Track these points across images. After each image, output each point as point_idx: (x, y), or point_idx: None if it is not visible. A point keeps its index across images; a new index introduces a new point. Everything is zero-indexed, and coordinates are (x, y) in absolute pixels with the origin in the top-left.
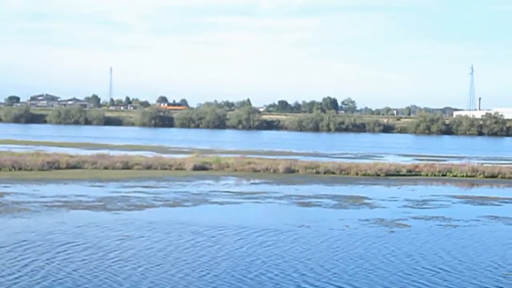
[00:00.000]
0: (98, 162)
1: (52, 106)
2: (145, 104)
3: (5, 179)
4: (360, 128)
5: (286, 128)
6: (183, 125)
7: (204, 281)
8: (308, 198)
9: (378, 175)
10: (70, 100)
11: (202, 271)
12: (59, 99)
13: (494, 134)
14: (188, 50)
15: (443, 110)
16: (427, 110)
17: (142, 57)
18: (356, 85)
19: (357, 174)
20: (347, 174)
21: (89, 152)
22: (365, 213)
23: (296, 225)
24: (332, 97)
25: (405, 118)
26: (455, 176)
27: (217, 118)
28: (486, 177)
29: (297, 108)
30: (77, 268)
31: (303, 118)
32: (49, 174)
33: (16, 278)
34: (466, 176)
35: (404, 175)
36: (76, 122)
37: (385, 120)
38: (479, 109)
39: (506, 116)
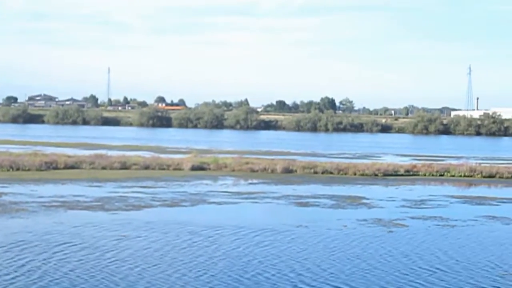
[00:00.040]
0: (96, 162)
1: (50, 106)
2: (143, 104)
3: (3, 180)
4: (358, 128)
5: (284, 128)
6: (181, 125)
7: (201, 281)
8: (306, 198)
9: (376, 175)
10: (68, 100)
11: (199, 271)
12: (57, 99)
13: (492, 134)
14: (187, 50)
15: (441, 110)
16: (425, 110)
17: (141, 57)
18: (355, 85)
19: (355, 174)
20: (345, 174)
21: (87, 152)
22: (363, 213)
23: (293, 225)
24: (330, 97)
25: (403, 118)
26: (453, 176)
27: (215, 118)
28: (484, 177)
29: (295, 108)
30: (73, 268)
31: (301, 118)
32: (47, 174)
33: (13, 278)
34: (464, 176)
35: (402, 175)
36: (74, 122)
37: (384, 120)
38: (477, 109)
39: (504, 116)
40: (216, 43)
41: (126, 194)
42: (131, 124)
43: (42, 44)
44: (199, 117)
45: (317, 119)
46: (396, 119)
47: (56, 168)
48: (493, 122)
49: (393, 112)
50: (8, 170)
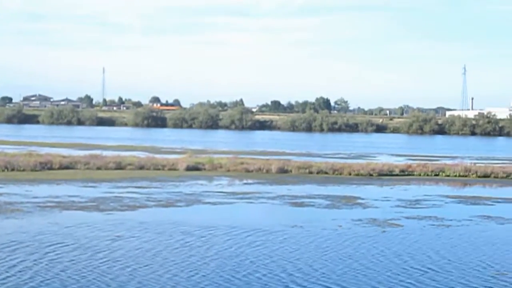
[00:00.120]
0: (91, 163)
1: (45, 106)
2: (138, 104)
3: None
4: (353, 128)
5: (279, 128)
6: (176, 125)
7: (192, 281)
8: (301, 198)
9: (371, 175)
10: (62, 100)
11: (190, 271)
12: (51, 100)
13: (486, 134)
14: (187, 50)
15: (436, 110)
16: (420, 110)
17: (137, 57)
18: (352, 85)
19: (350, 174)
20: (340, 174)
21: (81, 153)
22: (357, 213)
23: (287, 225)
24: (325, 97)
25: (398, 118)
26: (448, 176)
27: (210, 118)
28: (479, 176)
29: (290, 108)
30: (65, 269)
31: (296, 118)
32: (41, 174)
33: (3, 278)
34: (459, 176)
35: (397, 175)
36: (69, 123)
37: (380, 120)
38: (472, 109)
39: (499, 116)
40: (216, 43)
41: (121, 195)
42: (126, 124)
43: (38, 45)
44: (194, 117)
45: (312, 119)
46: (391, 119)
47: (51, 168)
48: (488, 122)
49: (388, 112)
50: (2, 171)
